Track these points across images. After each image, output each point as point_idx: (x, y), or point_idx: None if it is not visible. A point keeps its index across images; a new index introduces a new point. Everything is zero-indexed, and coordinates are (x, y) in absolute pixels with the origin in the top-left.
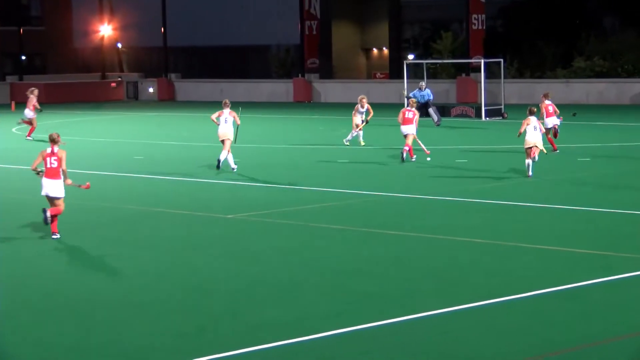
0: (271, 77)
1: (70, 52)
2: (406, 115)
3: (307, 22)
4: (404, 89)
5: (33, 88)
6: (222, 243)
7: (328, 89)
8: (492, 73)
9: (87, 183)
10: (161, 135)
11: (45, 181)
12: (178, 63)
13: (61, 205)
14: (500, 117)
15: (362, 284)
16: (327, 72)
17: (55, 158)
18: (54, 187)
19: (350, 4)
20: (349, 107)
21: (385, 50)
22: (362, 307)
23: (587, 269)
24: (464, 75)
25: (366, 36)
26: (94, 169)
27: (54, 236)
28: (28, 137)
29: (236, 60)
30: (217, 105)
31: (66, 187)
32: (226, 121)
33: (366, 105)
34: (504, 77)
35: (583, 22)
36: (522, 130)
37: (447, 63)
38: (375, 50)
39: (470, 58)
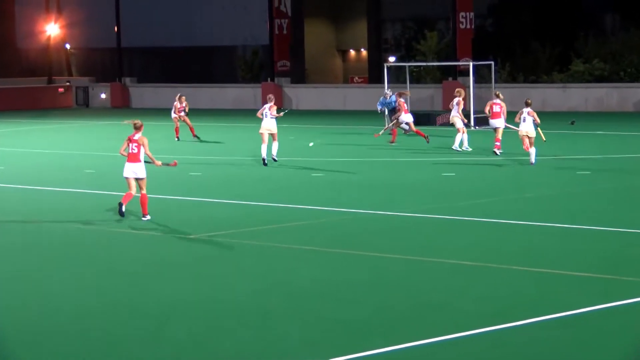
0: (237, 81)
1: (13, 54)
2: (494, 109)
3: (277, 21)
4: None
5: None
6: (184, 266)
7: (301, 95)
8: (481, 77)
9: (175, 161)
10: (115, 146)
11: (128, 165)
12: (133, 66)
13: (144, 185)
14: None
15: (338, 311)
16: (300, 75)
17: (136, 144)
18: (136, 169)
19: (325, 1)
20: (323, 114)
21: (364, 52)
22: (338, 337)
23: (586, 293)
24: (450, 79)
25: (342, 36)
26: (39, 183)
27: (144, 218)
28: None
29: (198, 63)
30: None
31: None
32: (265, 115)
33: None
34: (495, 82)
35: (581, 21)
36: (517, 119)
37: (432, 66)
38: (352, 52)
39: (458, 60)
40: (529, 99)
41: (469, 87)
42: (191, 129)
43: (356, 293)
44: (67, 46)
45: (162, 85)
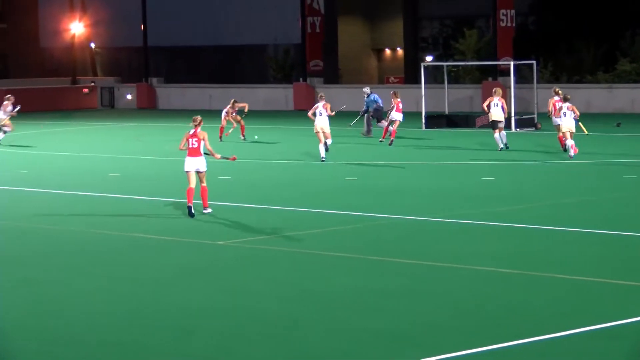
0: (268, 81)
1: (37, 53)
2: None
3: (310, 18)
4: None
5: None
6: (211, 274)
7: (333, 95)
8: (523, 77)
9: (234, 156)
10: (140, 149)
11: (189, 159)
12: (160, 66)
13: (204, 178)
14: (533, 128)
15: (370, 320)
16: (333, 76)
17: (196, 139)
18: (197, 163)
19: None
20: (357, 116)
21: (400, 51)
22: (371, 347)
23: (630, 303)
24: (490, 79)
25: (378, 34)
26: (62, 187)
27: (206, 210)
28: None
29: (228, 63)
30: (205, 113)
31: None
32: (321, 114)
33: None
34: (537, 82)
35: (627, 19)
36: (558, 114)
37: (471, 65)
38: (388, 51)
39: (498, 60)
40: (567, 94)
41: (509, 87)
42: (242, 128)
43: (388, 301)
44: (92, 45)
45: (189, 85)
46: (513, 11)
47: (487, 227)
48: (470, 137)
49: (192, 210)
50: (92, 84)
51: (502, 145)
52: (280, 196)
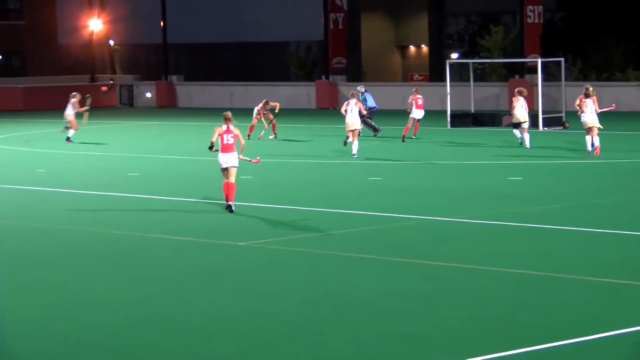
0: (290, 79)
1: (54, 51)
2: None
3: (332, 15)
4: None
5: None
6: (232, 275)
7: None
8: (550, 75)
9: (257, 158)
10: (160, 148)
11: (223, 155)
12: (180, 63)
13: (234, 174)
14: (561, 127)
15: (397, 324)
16: (356, 73)
17: (232, 135)
18: (231, 159)
19: None
20: (381, 114)
21: (425, 48)
22: (398, 352)
23: None
24: (517, 77)
25: (402, 31)
26: (81, 187)
27: (228, 207)
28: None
29: (249, 60)
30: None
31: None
32: (352, 111)
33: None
34: (565, 80)
35: None
36: (582, 110)
37: (498, 63)
38: (412, 48)
39: (525, 57)
40: (589, 86)
41: (536, 85)
42: (273, 126)
43: (414, 304)
44: (111, 42)
45: (210, 83)
46: (540, 7)
47: (515, 228)
48: (496, 136)
49: (232, 206)
50: (111, 81)
51: (526, 144)
52: (302, 196)
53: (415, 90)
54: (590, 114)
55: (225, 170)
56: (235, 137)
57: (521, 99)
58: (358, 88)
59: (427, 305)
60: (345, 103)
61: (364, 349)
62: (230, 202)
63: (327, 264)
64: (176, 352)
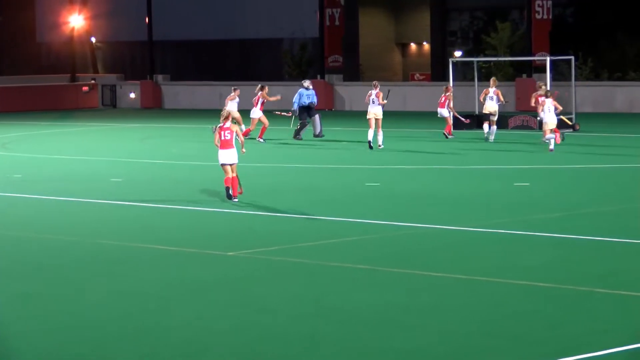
0: (283, 78)
1: (33, 48)
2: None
3: (328, 10)
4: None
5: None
6: (221, 287)
7: (354, 94)
8: (560, 74)
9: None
10: (145, 152)
11: (223, 152)
12: (166, 62)
13: (235, 169)
14: (571, 130)
15: (396, 339)
16: (353, 72)
17: (229, 131)
18: (231, 156)
19: None
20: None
21: (426, 46)
22: None
23: None
24: (524, 76)
25: (402, 28)
26: (60, 193)
27: (235, 199)
28: (260, 139)
29: (240, 58)
30: (215, 113)
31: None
32: (373, 102)
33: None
34: (575, 79)
35: None
36: (539, 110)
37: (504, 61)
38: (413, 46)
39: (533, 55)
40: (549, 91)
41: (545, 84)
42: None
43: (414, 318)
44: (93, 40)
45: (197, 83)
46: (550, 2)
47: (521, 237)
48: (501, 138)
49: (230, 191)
50: (93, 81)
51: (489, 137)
52: (294, 203)
53: (446, 88)
54: (549, 113)
55: (226, 166)
56: (233, 133)
57: (491, 90)
58: (305, 84)
59: (428, 319)
60: (369, 93)
61: None
62: (234, 198)
63: (322, 275)
64: None
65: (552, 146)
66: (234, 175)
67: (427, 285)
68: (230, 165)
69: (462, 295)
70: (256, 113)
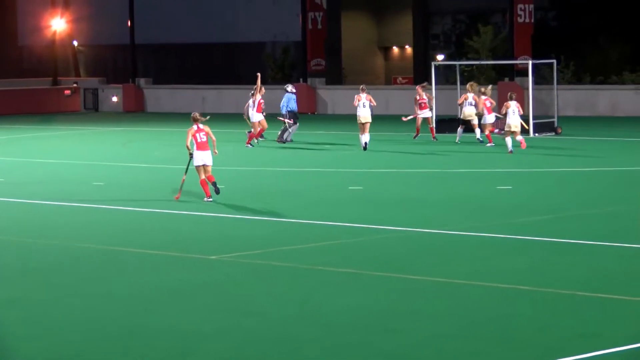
0: (266, 82)
1: (14, 52)
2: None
3: (311, 14)
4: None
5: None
6: (206, 291)
7: (337, 98)
8: (542, 77)
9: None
10: (127, 155)
11: (199, 153)
12: (148, 65)
13: (210, 170)
14: (553, 133)
15: (379, 342)
16: (336, 76)
17: (204, 133)
18: (207, 157)
19: None
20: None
21: (409, 49)
22: None
23: None
24: (506, 79)
25: (385, 31)
26: (42, 197)
27: (209, 199)
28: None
29: (222, 62)
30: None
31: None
32: (364, 105)
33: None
34: (558, 83)
35: None
36: (503, 111)
37: (486, 65)
38: (396, 49)
39: (515, 58)
40: (513, 93)
41: (527, 89)
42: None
43: (397, 322)
44: (75, 43)
45: (180, 87)
46: (532, 5)
47: (505, 240)
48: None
49: (217, 187)
50: (75, 85)
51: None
52: (278, 206)
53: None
54: (513, 115)
55: (201, 167)
56: (207, 134)
57: (470, 96)
58: (288, 88)
59: (411, 323)
60: (357, 97)
61: None
62: (214, 190)
63: (306, 279)
64: None
65: (511, 148)
66: (209, 175)
67: (411, 288)
68: (206, 166)
69: (446, 299)
70: (256, 117)
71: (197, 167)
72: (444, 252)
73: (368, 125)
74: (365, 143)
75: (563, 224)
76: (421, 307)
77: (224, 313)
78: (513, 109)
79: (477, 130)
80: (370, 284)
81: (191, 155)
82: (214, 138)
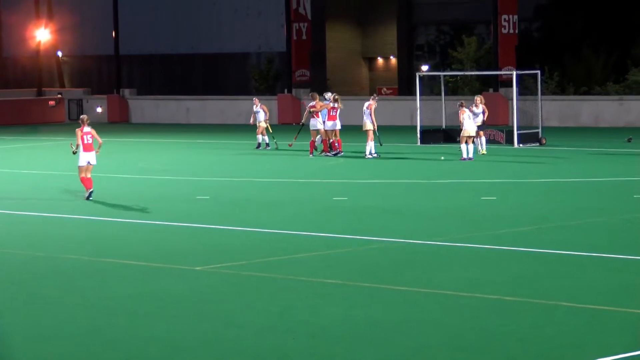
0: (250, 93)
1: None
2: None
3: (295, 25)
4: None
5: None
6: (190, 302)
7: None
8: (526, 88)
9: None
10: (112, 166)
11: (85, 154)
12: (133, 76)
13: (91, 169)
14: (537, 144)
15: (365, 354)
16: (320, 86)
17: (90, 135)
18: (91, 157)
19: (349, 3)
20: (348, 130)
21: (393, 60)
22: None
23: None
24: (491, 90)
25: (369, 42)
26: (25, 208)
27: (89, 195)
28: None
29: (206, 73)
30: (182, 127)
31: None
32: (364, 113)
33: (481, 106)
34: (542, 94)
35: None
36: (460, 119)
37: (470, 75)
38: (380, 60)
39: (499, 69)
40: (463, 102)
41: (511, 99)
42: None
43: (381, 333)
44: (59, 54)
45: (164, 97)
46: (516, 17)
47: (489, 251)
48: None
49: (90, 195)
50: (59, 95)
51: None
52: (262, 217)
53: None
54: (468, 120)
55: (85, 167)
56: (93, 136)
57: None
58: (327, 95)
59: (395, 334)
60: (368, 104)
61: None
62: (90, 190)
63: (290, 290)
64: None
65: (471, 154)
66: (89, 176)
67: (396, 299)
68: (89, 165)
69: (431, 310)
70: (318, 125)
71: (81, 166)
72: (429, 263)
73: (369, 133)
74: (369, 151)
75: (547, 234)
76: (406, 318)
77: (208, 324)
78: (468, 114)
79: (477, 140)
80: (356, 295)
81: (75, 153)
82: (100, 140)
